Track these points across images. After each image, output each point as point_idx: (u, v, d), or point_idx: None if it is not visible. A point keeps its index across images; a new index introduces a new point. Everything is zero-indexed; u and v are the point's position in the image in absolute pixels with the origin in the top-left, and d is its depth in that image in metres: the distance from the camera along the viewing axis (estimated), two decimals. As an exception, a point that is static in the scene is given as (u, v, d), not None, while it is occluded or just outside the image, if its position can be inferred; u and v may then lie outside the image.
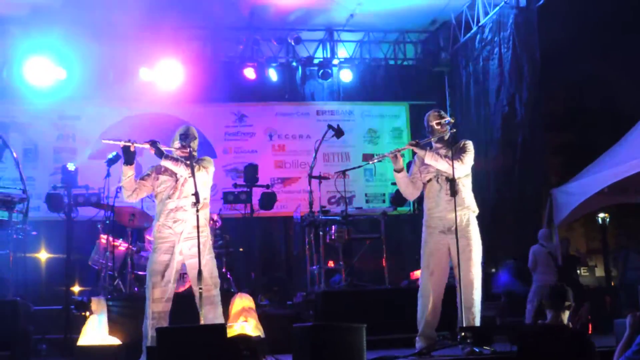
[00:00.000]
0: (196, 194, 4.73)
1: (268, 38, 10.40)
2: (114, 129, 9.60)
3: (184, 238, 5.01)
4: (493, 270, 9.59)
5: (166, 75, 9.92)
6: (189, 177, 4.91)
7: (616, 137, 7.61)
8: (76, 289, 7.54)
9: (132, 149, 4.90)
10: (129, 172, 4.97)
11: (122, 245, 7.03)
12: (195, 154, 5.12)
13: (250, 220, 8.32)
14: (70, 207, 7.18)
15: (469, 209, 5.26)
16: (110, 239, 6.84)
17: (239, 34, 10.42)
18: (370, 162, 5.51)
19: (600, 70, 9.49)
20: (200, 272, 4.66)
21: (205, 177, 5.09)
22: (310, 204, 7.16)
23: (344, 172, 7.53)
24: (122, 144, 4.91)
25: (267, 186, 8.83)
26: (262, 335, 5.45)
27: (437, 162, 5.22)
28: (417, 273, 6.66)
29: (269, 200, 8.86)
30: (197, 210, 4.78)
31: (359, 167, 8.50)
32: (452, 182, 5.12)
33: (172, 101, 10.06)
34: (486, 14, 9.60)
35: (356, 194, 10.50)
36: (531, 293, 8.30)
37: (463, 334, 4.88)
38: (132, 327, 5.53)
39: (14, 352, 5.71)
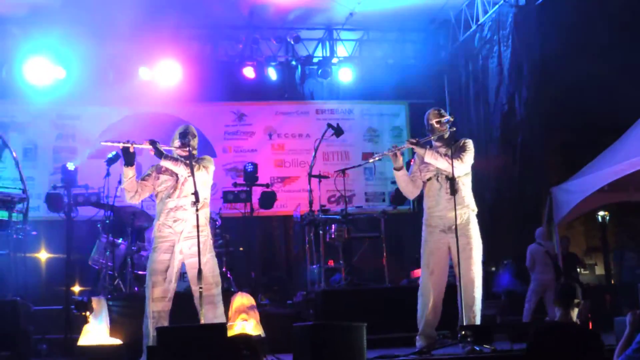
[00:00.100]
0: (196, 193, 4.72)
1: (267, 37, 10.40)
2: (113, 129, 9.61)
3: (184, 237, 5.01)
4: (493, 269, 9.60)
5: (166, 75, 9.93)
6: (189, 176, 4.91)
7: (616, 135, 7.61)
8: (76, 288, 7.52)
9: (131, 150, 4.89)
10: (129, 173, 4.96)
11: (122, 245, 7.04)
12: (195, 153, 5.12)
13: (250, 220, 8.32)
14: (70, 206, 7.17)
15: (468, 208, 5.26)
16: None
17: (238, 33, 10.42)
18: (370, 161, 5.50)
19: (600, 68, 9.48)
20: (200, 272, 4.66)
21: (205, 176, 5.08)
22: (310, 203, 7.17)
23: (343, 171, 7.54)
24: (121, 145, 4.89)
25: (267, 185, 8.84)
26: (263, 335, 5.45)
27: (436, 160, 5.22)
28: (417, 272, 6.66)
29: (268, 199, 8.87)
30: (197, 210, 4.78)
31: (359, 166, 8.52)
32: (452, 180, 5.12)
33: (172, 100, 10.06)
34: (485, 12, 9.59)
35: (356, 192, 10.50)
36: (529, 292, 8.31)
37: (463, 332, 4.88)
38: (133, 326, 5.53)
39: (14, 352, 5.71)
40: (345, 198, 7.53)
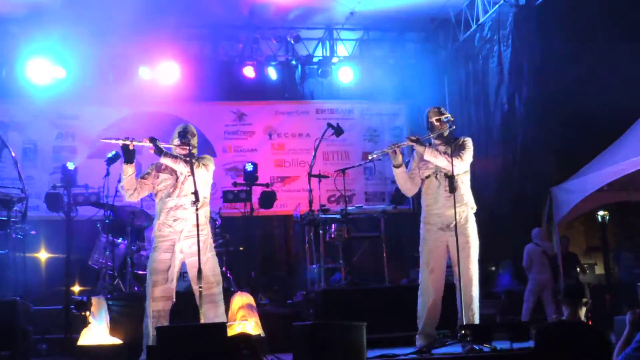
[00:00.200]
0: (195, 193, 4.72)
1: (267, 37, 10.40)
2: (113, 128, 9.61)
3: (184, 236, 5.00)
4: (493, 268, 9.60)
5: (165, 74, 9.93)
6: (188, 174, 4.90)
7: (616, 135, 7.61)
8: (76, 288, 7.53)
9: (131, 147, 4.89)
10: (129, 170, 4.95)
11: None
12: (194, 151, 5.12)
13: (250, 219, 8.32)
14: (70, 206, 7.17)
15: (467, 206, 5.27)
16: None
17: (238, 33, 10.41)
18: (369, 158, 5.50)
19: (599, 68, 9.47)
20: (199, 271, 4.66)
21: (205, 174, 5.08)
22: (310, 202, 7.17)
23: (343, 171, 7.54)
24: (120, 142, 4.89)
25: (267, 185, 8.84)
26: (262, 334, 5.44)
27: (436, 158, 5.23)
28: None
29: (268, 199, 8.87)
30: (197, 209, 4.77)
31: (359, 165, 8.51)
32: (451, 178, 5.12)
33: (172, 100, 10.06)
34: (485, 12, 9.59)
35: (356, 192, 10.49)
36: (527, 292, 8.32)
37: (463, 332, 4.88)
38: (133, 326, 5.53)
39: (13, 352, 5.70)
40: (345, 198, 7.52)
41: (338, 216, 7.35)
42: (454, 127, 5.37)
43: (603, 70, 9.44)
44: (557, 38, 9.24)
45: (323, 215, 7.30)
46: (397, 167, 5.34)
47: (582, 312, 4.20)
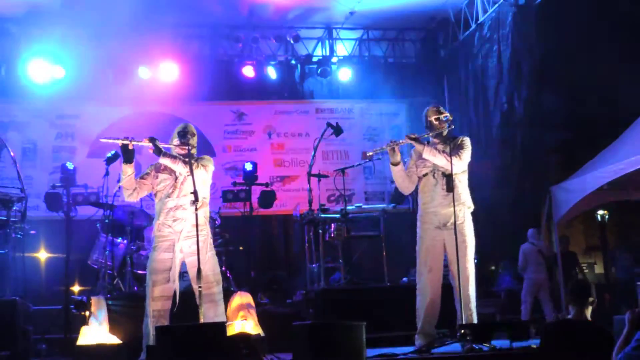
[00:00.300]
0: (195, 193, 4.71)
1: (267, 36, 10.40)
2: (112, 128, 9.61)
3: (183, 237, 5.00)
4: (493, 268, 9.60)
5: (165, 74, 9.92)
6: (188, 175, 4.90)
7: (615, 134, 7.61)
8: (76, 288, 7.53)
9: (130, 146, 4.88)
10: (128, 170, 4.94)
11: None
12: (194, 151, 5.12)
13: (250, 219, 8.31)
14: (69, 206, 7.17)
15: (464, 205, 5.27)
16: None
17: (237, 32, 10.40)
18: (368, 154, 5.50)
19: (599, 67, 9.48)
20: (199, 271, 4.65)
21: (205, 175, 5.08)
22: (310, 202, 7.16)
23: (343, 170, 7.53)
24: (120, 142, 4.88)
25: (267, 184, 8.83)
26: (262, 334, 5.44)
27: (435, 157, 5.23)
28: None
29: (268, 198, 8.87)
30: (196, 209, 4.77)
31: (358, 165, 8.51)
32: (448, 177, 5.14)
33: (171, 100, 10.06)
34: (485, 11, 9.59)
35: (355, 192, 10.49)
36: (524, 293, 8.30)
37: (463, 331, 4.88)
38: (132, 326, 5.53)
39: (13, 352, 5.70)
40: (345, 197, 7.52)
41: (338, 216, 7.35)
42: (453, 126, 5.37)
43: (602, 70, 9.44)
44: (556, 37, 9.25)
45: (323, 215, 7.30)
46: (395, 164, 5.35)
47: (589, 311, 4.19)
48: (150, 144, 4.89)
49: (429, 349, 5.05)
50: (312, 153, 7.07)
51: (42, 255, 8.27)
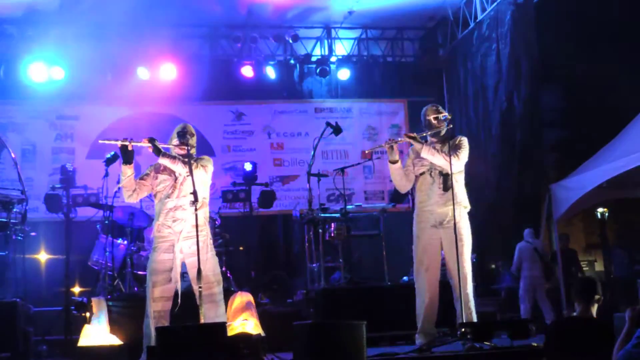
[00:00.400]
0: (194, 193, 4.71)
1: (266, 36, 10.40)
2: (112, 129, 9.61)
3: (183, 237, 5.00)
4: (493, 266, 9.60)
5: (164, 74, 9.92)
6: (187, 175, 4.90)
7: (614, 132, 7.61)
8: (76, 289, 7.54)
9: (129, 147, 4.88)
10: (128, 171, 4.94)
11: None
12: (193, 151, 5.12)
13: (250, 219, 8.32)
14: (69, 207, 7.17)
15: (460, 205, 5.28)
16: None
17: (236, 32, 10.40)
18: (367, 152, 5.53)
19: (598, 65, 9.49)
20: (199, 271, 4.65)
21: (204, 175, 5.08)
22: (309, 201, 7.16)
23: (342, 170, 7.53)
24: (119, 143, 4.88)
25: (266, 184, 8.84)
26: (263, 334, 5.44)
27: (433, 156, 5.24)
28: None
29: (268, 198, 8.86)
30: (196, 209, 4.77)
31: (358, 164, 8.51)
32: (445, 176, 5.16)
33: (170, 100, 10.05)
34: (484, 10, 9.59)
35: (355, 191, 10.49)
36: (521, 293, 8.27)
37: (463, 329, 4.89)
38: (133, 327, 5.53)
39: (14, 353, 5.71)
40: (345, 196, 7.52)
41: (337, 215, 7.35)
42: (452, 125, 5.37)
43: (601, 68, 9.45)
44: (555, 35, 9.26)
45: (322, 214, 7.30)
46: (394, 162, 5.37)
47: (595, 308, 4.19)
48: (150, 145, 4.89)
49: (429, 347, 5.05)
50: (312, 153, 7.07)
51: (43, 256, 8.28)
